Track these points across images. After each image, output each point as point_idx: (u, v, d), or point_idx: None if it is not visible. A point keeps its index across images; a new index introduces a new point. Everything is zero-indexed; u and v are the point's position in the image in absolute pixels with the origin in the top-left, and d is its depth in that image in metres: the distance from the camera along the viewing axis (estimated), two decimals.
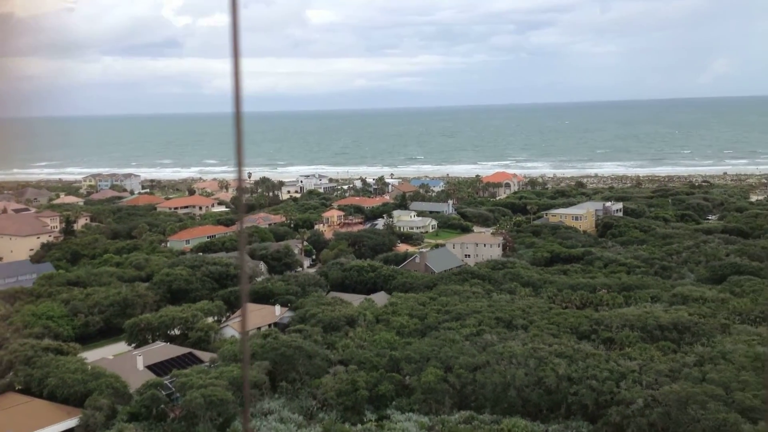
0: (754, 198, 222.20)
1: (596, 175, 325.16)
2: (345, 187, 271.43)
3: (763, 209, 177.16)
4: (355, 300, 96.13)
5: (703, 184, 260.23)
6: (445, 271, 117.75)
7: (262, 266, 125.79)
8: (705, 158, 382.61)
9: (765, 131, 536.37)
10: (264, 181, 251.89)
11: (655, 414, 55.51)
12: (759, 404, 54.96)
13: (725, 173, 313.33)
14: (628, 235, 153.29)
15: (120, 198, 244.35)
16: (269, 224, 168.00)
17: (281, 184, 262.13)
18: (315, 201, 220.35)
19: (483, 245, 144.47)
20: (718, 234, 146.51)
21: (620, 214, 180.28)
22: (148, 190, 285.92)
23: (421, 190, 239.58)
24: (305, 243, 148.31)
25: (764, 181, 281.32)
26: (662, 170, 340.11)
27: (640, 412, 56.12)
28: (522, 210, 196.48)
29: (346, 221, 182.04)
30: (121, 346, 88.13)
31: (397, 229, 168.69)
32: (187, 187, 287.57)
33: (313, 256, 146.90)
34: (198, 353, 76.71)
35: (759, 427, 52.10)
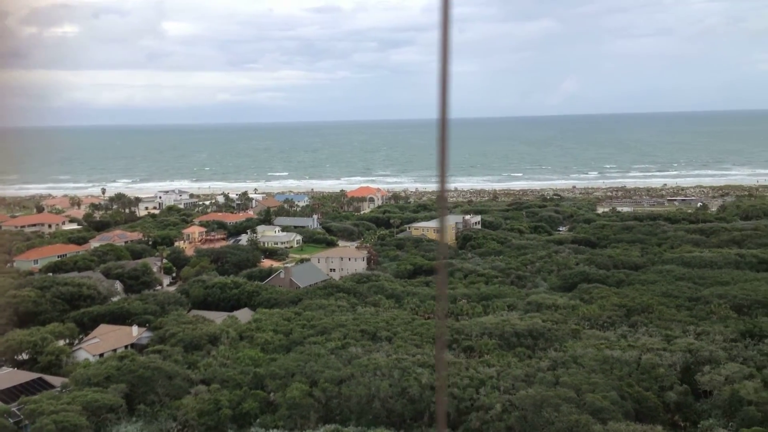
0: (600, 210, 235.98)
1: (456, 189, 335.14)
2: (207, 202, 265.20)
3: (608, 221, 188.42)
4: (218, 317, 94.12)
5: (555, 197, 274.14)
6: (310, 285, 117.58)
7: (118, 285, 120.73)
8: (556, 173, 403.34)
9: (618, 147, 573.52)
10: (119, 197, 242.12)
11: (512, 418, 57.63)
12: (608, 405, 58.22)
13: (574, 187, 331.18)
14: (486, 246, 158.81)
15: None
16: (125, 242, 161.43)
17: (138, 200, 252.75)
18: (175, 217, 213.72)
19: (348, 259, 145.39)
20: (568, 244, 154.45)
21: (479, 226, 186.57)
22: None
23: (285, 205, 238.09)
24: (164, 260, 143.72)
25: (610, 194, 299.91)
26: (517, 184, 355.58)
27: (498, 417, 58.09)
28: (386, 224, 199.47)
29: (208, 237, 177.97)
30: None
31: (262, 244, 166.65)
32: (35, 204, 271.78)
33: (174, 274, 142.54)
34: (49, 378, 72.68)
35: (608, 427, 55.15)
